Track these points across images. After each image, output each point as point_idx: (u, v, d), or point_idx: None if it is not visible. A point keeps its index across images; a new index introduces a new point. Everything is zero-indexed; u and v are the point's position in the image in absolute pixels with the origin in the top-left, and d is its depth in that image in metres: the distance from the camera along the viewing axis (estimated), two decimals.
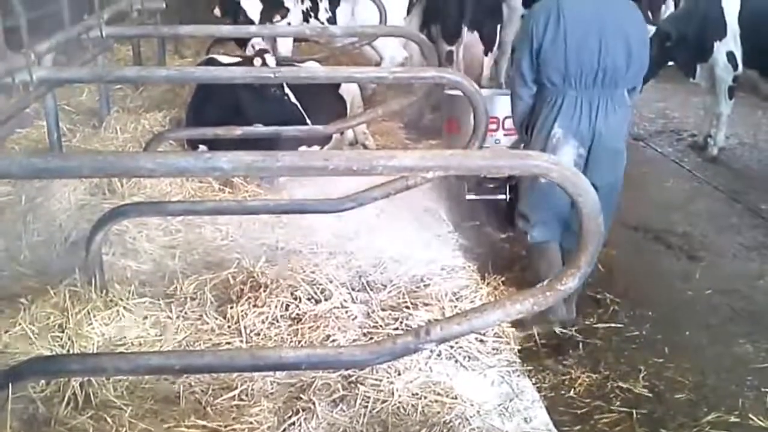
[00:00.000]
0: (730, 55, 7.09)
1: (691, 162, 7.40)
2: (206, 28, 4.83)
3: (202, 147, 5.22)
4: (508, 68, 8.06)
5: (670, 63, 7.59)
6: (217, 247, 4.26)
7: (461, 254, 4.59)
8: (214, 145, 4.96)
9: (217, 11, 7.39)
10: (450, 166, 2.12)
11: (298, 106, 5.30)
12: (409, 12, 7.24)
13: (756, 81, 7.18)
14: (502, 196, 5.44)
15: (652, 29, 7.16)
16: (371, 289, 3.83)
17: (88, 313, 3.26)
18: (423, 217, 4.99)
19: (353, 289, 3.80)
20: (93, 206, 4.37)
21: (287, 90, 5.24)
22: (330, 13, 7.39)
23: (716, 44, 7.12)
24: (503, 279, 4.49)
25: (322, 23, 7.42)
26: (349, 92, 5.97)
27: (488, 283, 4.29)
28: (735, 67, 7.13)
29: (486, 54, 7.37)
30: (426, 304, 3.65)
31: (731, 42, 7.05)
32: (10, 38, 6.79)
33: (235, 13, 6.96)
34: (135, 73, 4.00)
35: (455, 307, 3.65)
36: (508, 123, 5.07)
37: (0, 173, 1.90)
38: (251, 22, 6.95)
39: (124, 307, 3.37)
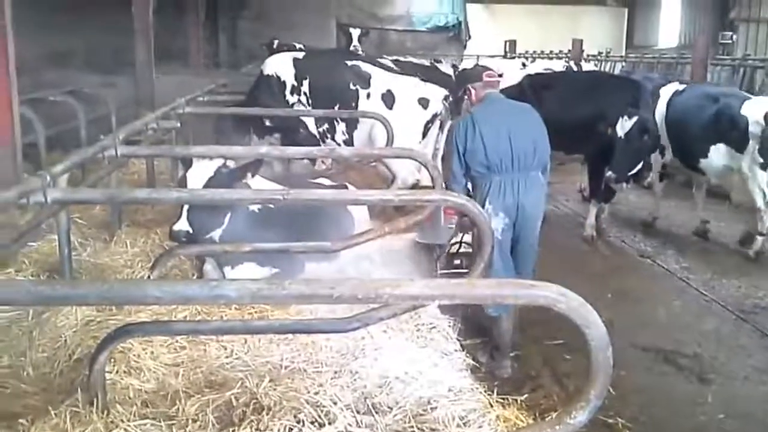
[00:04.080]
0: (660, 147, 8.92)
1: (698, 280, 7.39)
2: (218, 148, 4.95)
3: (209, 261, 5.26)
4: None
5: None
6: (221, 365, 4.19)
7: (468, 374, 4.51)
8: None
9: (268, 122, 7.85)
10: (455, 296, 2.12)
11: None
12: (424, 136, 7.46)
13: (680, 167, 9.18)
14: (467, 271, 5.75)
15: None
16: (377, 412, 3.73)
17: None
18: (429, 333, 4.94)
19: (358, 412, 3.71)
20: (99, 323, 4.34)
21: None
22: (347, 135, 7.64)
23: None
24: (512, 401, 4.40)
25: (339, 144, 7.66)
26: (357, 208, 6.05)
27: (495, 406, 4.19)
28: (662, 155, 9.08)
29: None
30: (433, 430, 3.55)
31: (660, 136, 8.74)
32: (29, 152, 7.01)
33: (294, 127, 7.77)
34: (146, 195, 4.07)
35: None
36: None
37: (8, 300, 1.91)
38: (313, 137, 7.76)
39: (125, 429, 3.30)
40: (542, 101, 7.93)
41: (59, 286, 1.89)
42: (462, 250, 5.93)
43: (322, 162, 7.94)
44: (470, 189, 5.53)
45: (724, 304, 6.68)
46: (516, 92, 8.04)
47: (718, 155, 8.23)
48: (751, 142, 7.84)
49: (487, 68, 5.87)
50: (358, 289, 2.05)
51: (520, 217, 5.33)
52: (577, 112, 8.38)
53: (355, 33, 13.86)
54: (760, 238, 8.01)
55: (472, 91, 5.56)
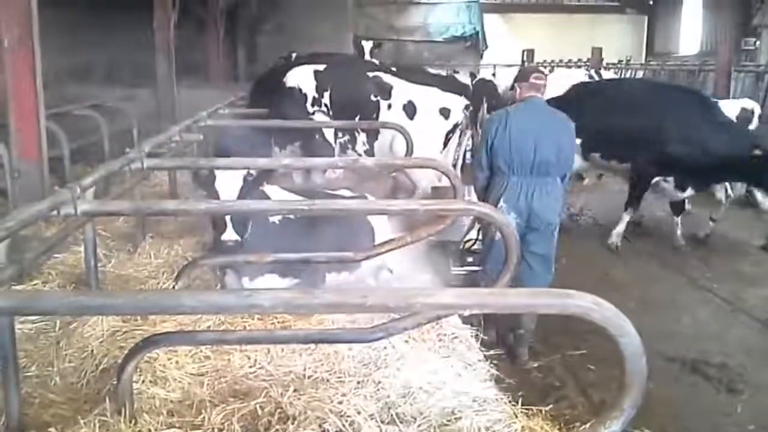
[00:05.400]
0: None
1: (723, 289, 7.31)
2: (242, 160, 4.97)
3: (230, 272, 5.26)
4: None
5: None
6: (245, 375, 4.19)
7: (493, 385, 4.48)
8: None
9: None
10: (487, 305, 2.12)
11: None
12: (445, 145, 7.47)
13: None
14: (480, 268, 6.02)
15: None
16: (401, 422, 3.72)
17: None
18: (451, 343, 4.91)
19: (382, 422, 3.70)
20: (125, 333, 4.37)
21: None
22: (368, 146, 7.66)
23: None
24: (537, 412, 4.36)
25: (360, 154, 7.67)
26: (377, 218, 6.03)
27: (520, 417, 4.16)
28: None
29: None
30: None
31: None
32: (54, 165, 7.08)
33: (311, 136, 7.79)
34: (174, 206, 4.09)
35: None
36: None
37: (46, 310, 1.93)
38: (329, 145, 7.75)
39: None
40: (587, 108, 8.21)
41: (94, 297, 1.91)
42: (475, 247, 6.08)
43: (332, 172, 7.91)
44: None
45: (750, 313, 6.61)
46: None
47: None
48: None
49: (537, 69, 6.03)
50: (389, 298, 2.05)
51: (532, 219, 5.48)
52: (629, 121, 8.42)
53: (367, 46, 13.84)
54: (711, 224, 8.99)
55: (518, 90, 5.74)
